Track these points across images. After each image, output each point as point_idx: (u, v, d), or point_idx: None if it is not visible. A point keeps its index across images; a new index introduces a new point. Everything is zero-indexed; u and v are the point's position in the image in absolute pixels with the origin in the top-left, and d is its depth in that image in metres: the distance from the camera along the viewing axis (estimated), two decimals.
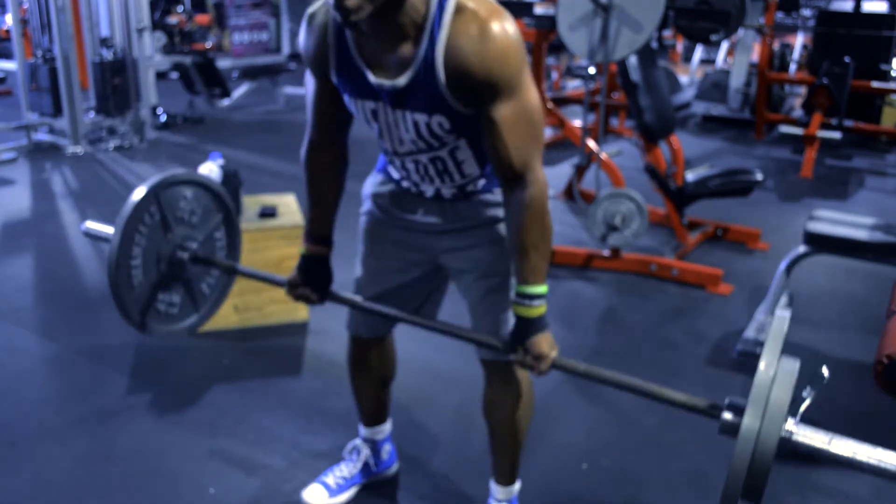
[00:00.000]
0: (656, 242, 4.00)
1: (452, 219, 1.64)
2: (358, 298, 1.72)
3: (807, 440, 1.29)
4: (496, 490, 1.87)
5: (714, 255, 3.89)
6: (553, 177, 5.01)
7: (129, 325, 1.83)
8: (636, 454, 2.26)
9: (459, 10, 1.33)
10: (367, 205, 1.75)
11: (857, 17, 6.64)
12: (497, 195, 1.61)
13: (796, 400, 1.28)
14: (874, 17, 6.73)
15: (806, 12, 8.50)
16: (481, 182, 1.60)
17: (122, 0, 5.88)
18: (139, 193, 1.76)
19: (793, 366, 1.29)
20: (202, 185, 1.92)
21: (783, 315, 1.37)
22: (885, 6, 8.06)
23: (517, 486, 1.88)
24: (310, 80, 1.57)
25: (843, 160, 6.18)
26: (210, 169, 2.80)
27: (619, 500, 2.08)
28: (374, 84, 1.43)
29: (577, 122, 4.52)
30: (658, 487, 2.13)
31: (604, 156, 3.87)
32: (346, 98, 1.51)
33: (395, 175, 1.67)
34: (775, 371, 1.27)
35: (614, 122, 6.66)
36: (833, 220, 2.89)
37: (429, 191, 1.62)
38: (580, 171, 4.23)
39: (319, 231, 1.71)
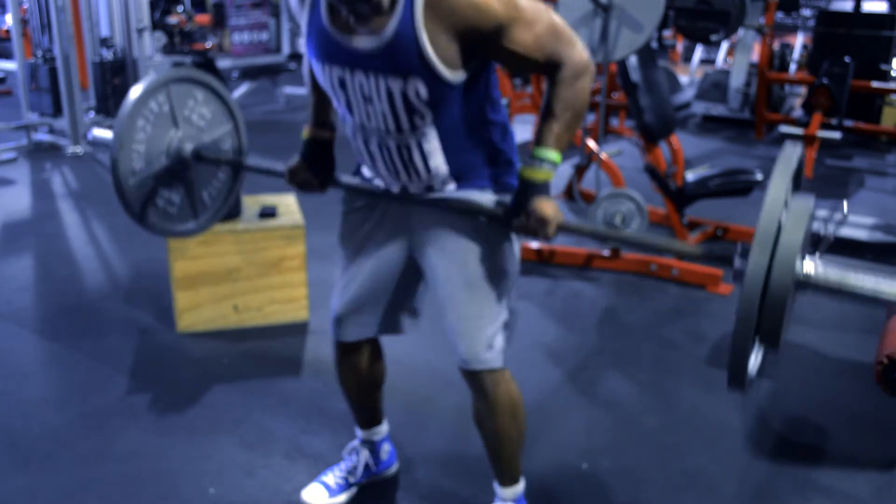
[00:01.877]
0: None
1: (422, 212, 1.61)
2: (357, 180, 1.69)
3: (825, 276, 1.15)
4: (500, 491, 1.86)
5: None
6: (553, 177, 5.00)
7: (127, 214, 1.79)
8: (636, 454, 2.26)
9: None
10: (343, 206, 1.75)
11: (857, 17, 6.63)
12: (471, 195, 1.58)
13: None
14: (874, 17, 6.72)
15: (806, 12, 8.49)
16: (451, 186, 1.58)
17: (122, 0, 5.88)
18: (150, 79, 1.74)
19: (807, 198, 1.18)
20: (214, 90, 1.90)
21: (793, 146, 1.25)
22: (885, 6, 8.05)
23: (521, 485, 1.87)
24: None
25: (843, 160, 6.17)
26: None
27: (619, 500, 2.08)
28: (346, 46, 1.41)
29: None
30: (658, 487, 2.13)
31: (604, 156, 3.87)
32: (314, 64, 1.50)
33: (367, 174, 1.67)
34: (786, 200, 1.15)
35: (614, 122, 6.66)
36: (833, 221, 2.89)
37: (394, 187, 1.61)
38: (580, 171, 4.23)
39: (322, 116, 1.71)
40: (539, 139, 1.46)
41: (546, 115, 1.45)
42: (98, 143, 2.03)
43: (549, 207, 1.46)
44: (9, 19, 6.79)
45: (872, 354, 2.25)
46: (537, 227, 1.46)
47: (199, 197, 1.94)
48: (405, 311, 1.80)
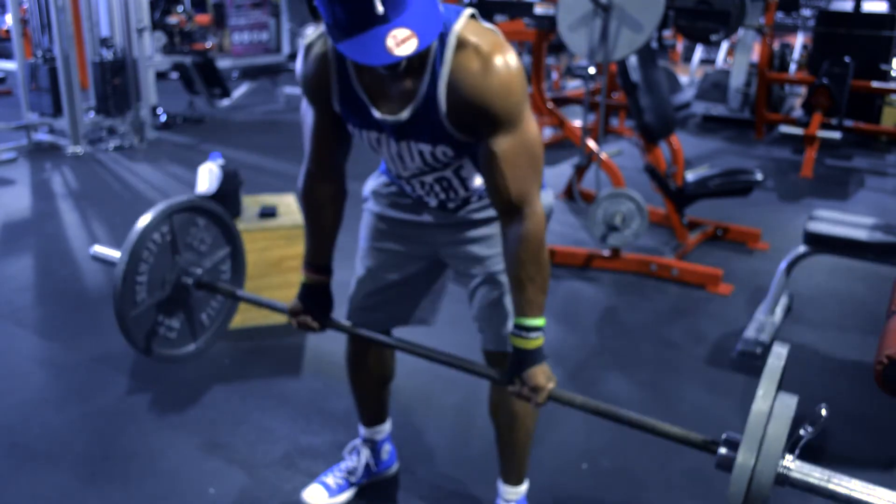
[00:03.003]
0: (656, 242, 4.00)
1: (452, 217, 1.66)
2: (360, 329, 1.75)
3: (804, 478, 1.27)
4: (504, 490, 1.87)
5: (714, 255, 3.89)
6: (553, 177, 5.01)
7: (131, 347, 1.85)
8: (636, 454, 2.26)
9: (461, 44, 1.35)
10: (369, 202, 1.78)
11: (857, 17, 6.64)
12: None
13: (793, 436, 1.27)
14: (874, 17, 6.73)
15: (806, 12, 8.50)
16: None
17: (122, 0, 5.88)
18: (155, 211, 1.78)
19: (790, 401, 1.27)
20: (215, 215, 1.94)
21: (780, 351, 1.36)
22: (885, 6, 8.06)
23: (525, 486, 1.88)
24: (308, 110, 1.57)
25: (843, 160, 6.17)
26: (210, 169, 2.80)
27: (619, 500, 2.08)
28: (377, 118, 1.45)
29: (577, 122, 4.52)
30: (658, 487, 2.13)
31: (604, 156, 3.87)
32: (350, 126, 1.54)
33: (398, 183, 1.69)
34: (771, 406, 1.26)
35: (614, 122, 6.66)
36: (833, 220, 2.89)
37: (432, 202, 1.65)
38: (580, 171, 4.23)
39: (319, 260, 1.73)
40: (520, 311, 1.48)
41: (518, 283, 1.46)
42: (99, 259, 2.04)
43: (542, 376, 1.50)
44: (9, 19, 6.79)
45: (872, 354, 2.25)
46: (531, 395, 1.50)
47: (198, 319, 1.99)
48: (418, 309, 1.83)
